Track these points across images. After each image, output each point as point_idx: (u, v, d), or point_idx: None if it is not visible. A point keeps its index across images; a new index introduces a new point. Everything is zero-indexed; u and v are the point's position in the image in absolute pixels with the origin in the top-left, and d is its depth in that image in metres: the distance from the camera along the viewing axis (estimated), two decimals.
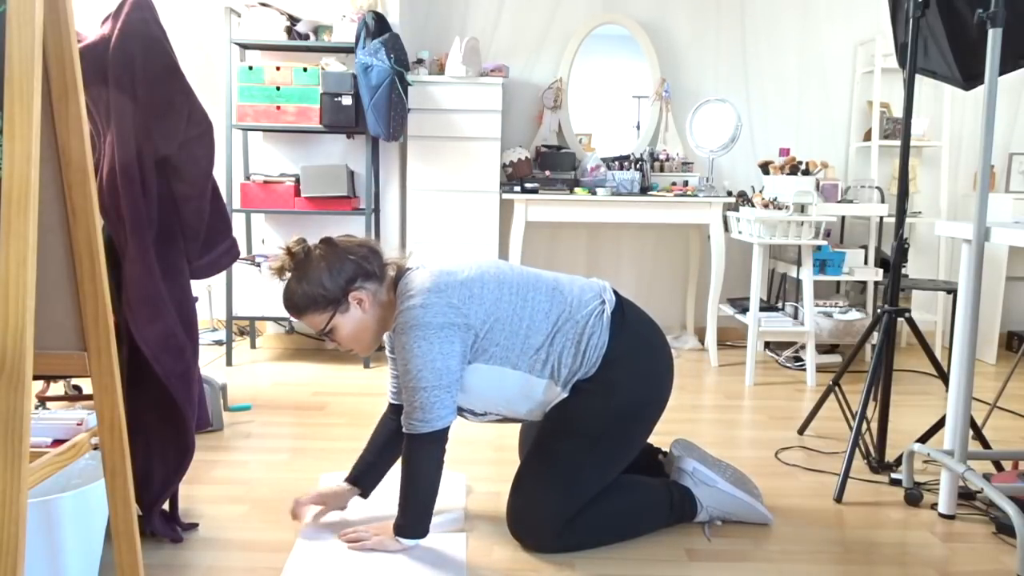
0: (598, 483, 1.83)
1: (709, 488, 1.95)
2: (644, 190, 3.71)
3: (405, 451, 1.76)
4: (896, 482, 2.28)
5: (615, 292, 1.94)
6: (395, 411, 2.03)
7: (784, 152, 3.71)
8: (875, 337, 2.41)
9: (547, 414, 1.87)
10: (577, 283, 1.92)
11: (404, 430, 1.75)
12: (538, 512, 1.81)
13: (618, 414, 1.83)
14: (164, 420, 1.77)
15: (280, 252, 1.84)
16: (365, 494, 2.00)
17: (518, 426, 2.69)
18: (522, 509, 1.84)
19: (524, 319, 1.81)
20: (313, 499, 1.95)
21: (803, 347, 3.79)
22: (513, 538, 1.86)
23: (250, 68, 3.41)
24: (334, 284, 1.79)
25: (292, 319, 3.55)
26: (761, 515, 1.98)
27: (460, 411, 1.90)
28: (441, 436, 1.75)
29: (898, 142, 3.91)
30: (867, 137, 4.12)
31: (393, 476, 1.97)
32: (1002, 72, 1.93)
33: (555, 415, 1.85)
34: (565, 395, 1.84)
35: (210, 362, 3.56)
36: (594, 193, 3.62)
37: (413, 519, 1.77)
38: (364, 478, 1.99)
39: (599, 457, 1.83)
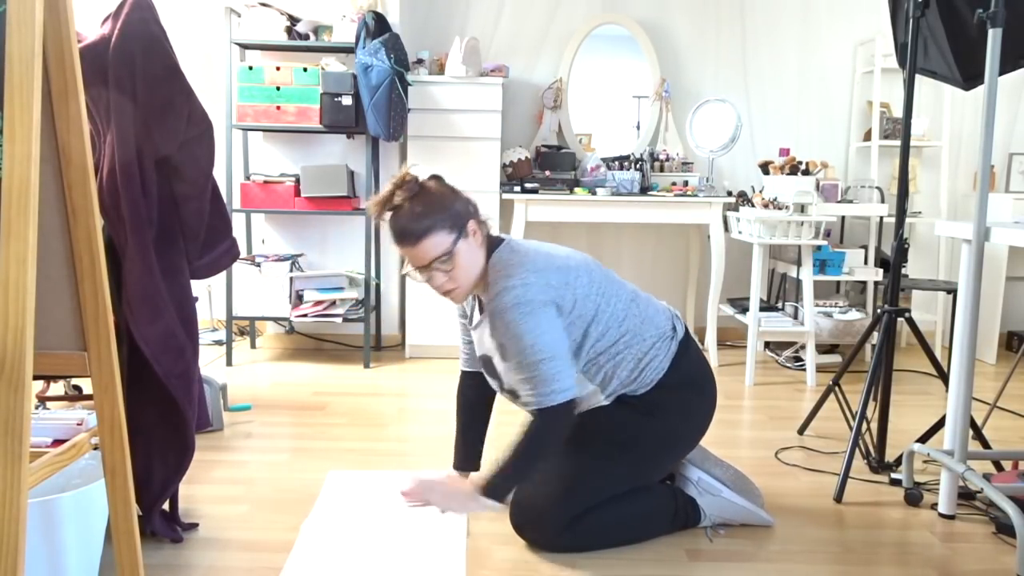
0: (607, 493, 1.84)
1: (713, 497, 1.96)
2: (644, 190, 3.71)
3: (534, 425, 1.69)
4: (896, 482, 2.28)
5: (684, 325, 1.94)
6: (469, 378, 2.06)
7: (784, 152, 3.71)
8: (875, 337, 2.40)
9: (580, 415, 1.87)
10: (652, 303, 1.91)
11: (531, 407, 1.69)
12: (542, 508, 1.81)
13: (653, 438, 1.84)
14: (164, 420, 1.77)
15: (385, 188, 1.74)
16: (476, 466, 2.07)
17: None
18: (526, 502, 1.85)
19: (600, 323, 1.79)
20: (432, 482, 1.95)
21: (803, 347, 3.79)
22: (514, 531, 1.87)
23: (250, 68, 3.41)
24: (457, 206, 1.72)
25: (288, 322, 3.57)
26: (762, 520, 1.99)
27: (489, 375, 1.89)
28: (571, 408, 1.69)
29: (898, 142, 3.91)
30: (867, 137, 4.12)
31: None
32: (1002, 72, 1.93)
33: (588, 418, 1.86)
34: (605, 403, 1.84)
35: (210, 362, 3.56)
36: (594, 193, 3.62)
37: (509, 483, 1.70)
38: (468, 462, 2.05)
39: (618, 470, 1.84)
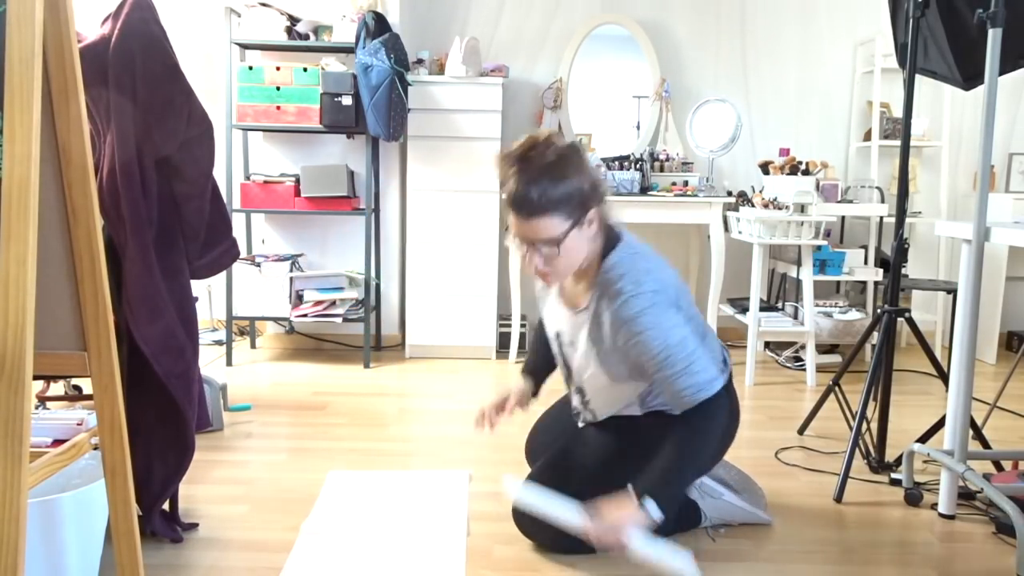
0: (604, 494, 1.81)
1: (715, 500, 1.96)
2: (644, 190, 3.70)
3: (694, 421, 1.61)
4: (896, 482, 2.27)
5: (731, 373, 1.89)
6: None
7: (784, 152, 3.71)
8: (875, 337, 2.40)
9: (604, 421, 1.86)
10: (711, 335, 1.84)
11: (681, 409, 1.61)
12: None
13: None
14: (164, 420, 1.77)
15: (520, 143, 1.62)
16: (536, 390, 2.03)
17: (520, 427, 2.69)
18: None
19: (671, 346, 1.64)
20: (497, 404, 1.95)
21: (803, 347, 3.79)
22: (517, 528, 1.86)
23: (250, 68, 3.41)
24: (582, 192, 1.58)
25: (288, 322, 3.57)
26: (762, 519, 1.99)
27: (559, 353, 1.89)
28: (723, 394, 1.61)
29: (898, 142, 3.91)
30: (867, 137, 4.12)
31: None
32: (1002, 72, 1.93)
33: (612, 427, 1.85)
34: (636, 412, 1.83)
35: (210, 362, 3.56)
36: None
37: (679, 486, 1.62)
38: (538, 372, 2.03)
39: (622, 481, 1.80)
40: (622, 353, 1.70)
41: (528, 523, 1.84)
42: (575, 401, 1.94)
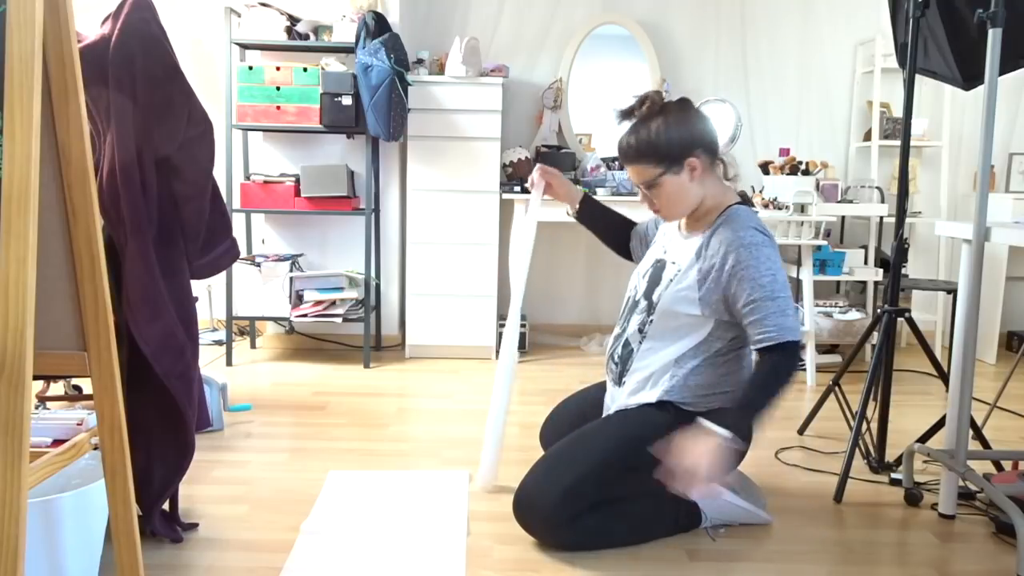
0: (610, 494, 1.84)
1: (714, 500, 1.96)
2: None
3: (774, 358, 1.72)
4: (896, 482, 2.27)
5: None
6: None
7: (784, 152, 3.71)
8: (875, 337, 2.40)
9: (610, 415, 1.94)
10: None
11: (770, 342, 1.72)
12: (544, 502, 1.78)
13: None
14: (164, 420, 1.77)
15: (634, 99, 1.85)
16: (582, 210, 2.22)
17: (520, 427, 2.69)
18: (529, 487, 1.82)
19: (778, 283, 1.77)
20: (543, 174, 2.16)
21: (803, 347, 3.79)
22: (517, 522, 1.85)
23: (250, 68, 3.41)
24: (679, 142, 1.80)
25: (288, 322, 3.57)
26: (762, 519, 1.99)
27: (646, 275, 2.00)
28: (802, 348, 1.81)
29: (898, 142, 3.91)
30: (867, 137, 4.12)
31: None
32: (1002, 72, 1.93)
33: (617, 417, 1.92)
34: (648, 401, 1.88)
35: (210, 362, 3.56)
36: (594, 193, 3.62)
37: (749, 418, 1.69)
38: (590, 202, 2.21)
39: (627, 472, 1.84)
40: (720, 279, 1.80)
41: (528, 518, 1.83)
42: (609, 365, 2.02)
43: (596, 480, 1.81)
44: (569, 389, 2.42)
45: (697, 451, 1.62)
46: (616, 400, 1.98)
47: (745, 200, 1.92)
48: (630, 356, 1.95)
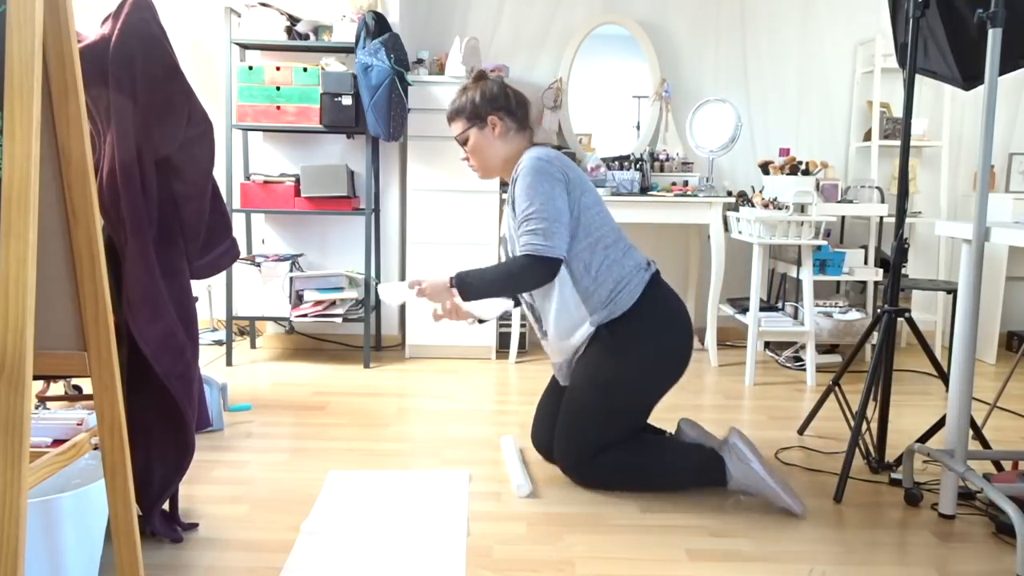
0: (609, 433, 2.11)
1: (743, 465, 2.04)
2: (644, 190, 3.71)
3: (521, 262, 2.02)
4: (896, 482, 2.28)
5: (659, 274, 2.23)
6: None
7: (784, 152, 3.71)
8: (875, 337, 2.40)
9: (573, 371, 2.20)
10: (630, 242, 2.23)
11: (523, 251, 2.02)
12: (565, 444, 2.15)
13: (627, 377, 2.09)
14: (164, 420, 1.77)
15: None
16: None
17: (521, 428, 2.69)
18: (559, 438, 2.18)
19: (592, 232, 2.10)
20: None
21: (803, 347, 3.79)
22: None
23: (250, 68, 3.41)
24: (481, 104, 2.20)
25: (288, 322, 3.57)
26: (787, 504, 2.02)
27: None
28: (555, 267, 2.03)
29: (898, 142, 3.91)
30: (867, 137, 4.12)
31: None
32: (1002, 72, 1.93)
33: (578, 372, 2.17)
34: (589, 330, 2.11)
35: (210, 362, 3.56)
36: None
37: (476, 289, 2.05)
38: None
39: (604, 410, 2.10)
40: (514, 212, 2.09)
41: (548, 451, 2.26)
42: (537, 330, 2.26)
43: (586, 426, 2.08)
44: None
45: (436, 284, 2.10)
46: (554, 351, 2.23)
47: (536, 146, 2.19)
48: (534, 306, 2.24)
